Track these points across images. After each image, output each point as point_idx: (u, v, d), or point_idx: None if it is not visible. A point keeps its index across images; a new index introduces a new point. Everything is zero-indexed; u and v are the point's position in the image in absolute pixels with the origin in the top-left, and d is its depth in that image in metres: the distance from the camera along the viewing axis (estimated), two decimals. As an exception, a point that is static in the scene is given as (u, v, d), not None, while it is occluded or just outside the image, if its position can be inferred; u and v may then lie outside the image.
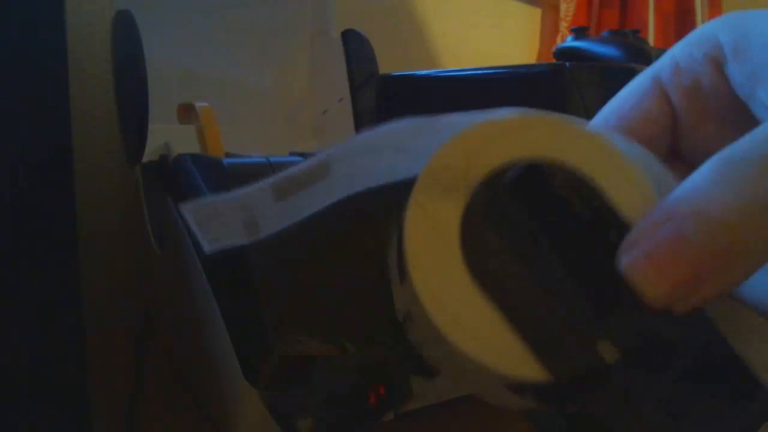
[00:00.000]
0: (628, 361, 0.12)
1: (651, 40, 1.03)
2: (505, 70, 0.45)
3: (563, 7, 0.96)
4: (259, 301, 0.22)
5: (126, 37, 0.33)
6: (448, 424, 0.29)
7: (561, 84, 0.40)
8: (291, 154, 0.27)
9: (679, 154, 0.17)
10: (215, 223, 0.15)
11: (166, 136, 0.33)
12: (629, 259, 0.12)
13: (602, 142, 0.13)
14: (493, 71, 0.45)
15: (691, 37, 0.15)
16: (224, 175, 0.25)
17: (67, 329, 0.19)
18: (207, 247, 0.15)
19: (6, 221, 0.18)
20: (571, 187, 0.13)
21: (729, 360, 0.12)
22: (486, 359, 0.12)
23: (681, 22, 1.08)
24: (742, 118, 0.14)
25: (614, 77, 0.40)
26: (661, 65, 0.16)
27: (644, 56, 0.55)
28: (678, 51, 0.16)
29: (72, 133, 0.19)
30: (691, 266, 0.11)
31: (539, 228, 0.13)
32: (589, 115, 0.17)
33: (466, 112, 0.14)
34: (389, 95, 0.47)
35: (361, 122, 0.46)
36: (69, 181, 0.19)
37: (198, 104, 0.32)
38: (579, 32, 0.61)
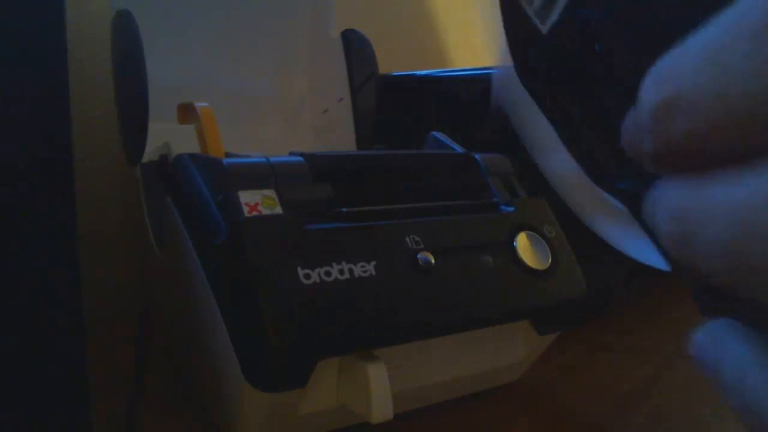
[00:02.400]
0: None
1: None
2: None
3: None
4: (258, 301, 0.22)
5: (126, 37, 0.33)
6: (448, 424, 0.29)
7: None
8: (291, 154, 0.27)
9: None
10: None
11: (166, 136, 0.33)
12: None
13: None
14: (493, 71, 0.45)
15: None
16: (224, 175, 0.25)
17: (67, 329, 0.19)
18: None
19: (6, 221, 0.18)
20: None
21: None
22: None
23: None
24: None
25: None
26: None
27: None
28: None
29: (72, 133, 0.19)
30: None
31: None
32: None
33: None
34: (389, 95, 0.47)
35: (361, 122, 0.46)
36: (69, 181, 0.19)
37: (198, 104, 0.32)
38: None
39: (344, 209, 0.25)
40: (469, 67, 0.49)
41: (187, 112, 0.33)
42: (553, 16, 0.15)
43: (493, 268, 0.27)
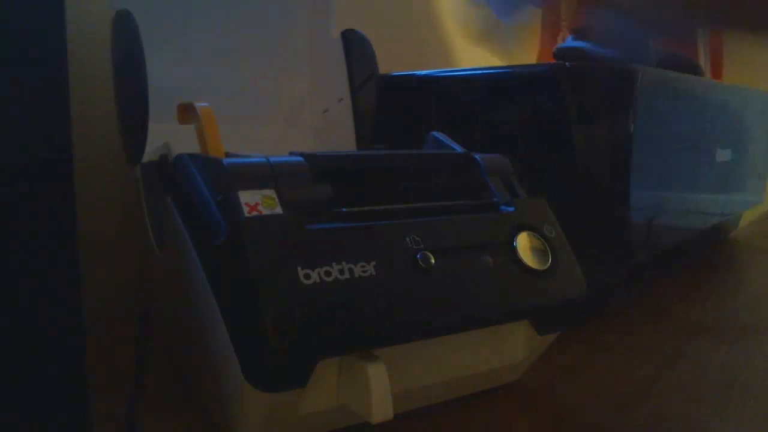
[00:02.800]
0: None
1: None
2: (505, 70, 0.45)
3: (564, 6, 0.96)
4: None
5: (126, 37, 0.33)
6: (448, 424, 0.29)
7: (561, 84, 0.40)
8: (291, 154, 0.27)
9: None
10: None
11: (166, 136, 0.33)
12: None
13: None
14: (493, 71, 0.45)
15: None
16: (224, 175, 0.25)
17: (67, 329, 0.19)
18: None
19: (6, 221, 0.18)
20: None
21: None
22: None
23: (681, 22, 1.08)
24: None
25: (614, 78, 0.40)
26: None
27: (644, 57, 0.55)
28: None
29: (72, 133, 0.19)
30: None
31: None
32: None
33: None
34: (389, 95, 0.47)
35: (361, 122, 0.46)
36: (69, 181, 0.19)
37: (198, 104, 0.32)
38: (579, 32, 0.61)
39: (344, 209, 0.25)
40: (469, 67, 0.49)
41: (187, 112, 0.33)
42: None
43: (493, 268, 0.27)
